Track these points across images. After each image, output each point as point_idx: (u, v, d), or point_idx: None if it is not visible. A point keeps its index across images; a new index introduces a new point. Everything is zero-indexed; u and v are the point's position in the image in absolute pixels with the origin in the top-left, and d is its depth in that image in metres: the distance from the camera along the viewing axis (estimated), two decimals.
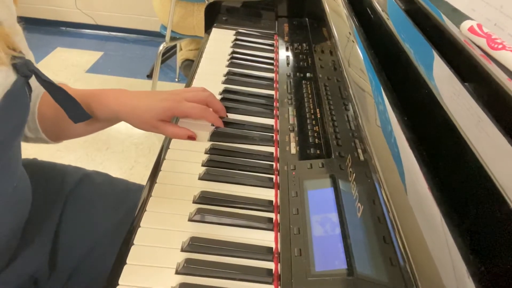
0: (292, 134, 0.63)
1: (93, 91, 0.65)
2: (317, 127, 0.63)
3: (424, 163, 0.38)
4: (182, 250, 0.46)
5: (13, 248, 0.60)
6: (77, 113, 0.58)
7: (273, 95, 0.76)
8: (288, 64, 0.84)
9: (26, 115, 0.54)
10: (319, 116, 0.65)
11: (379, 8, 0.68)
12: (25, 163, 0.71)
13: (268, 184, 0.56)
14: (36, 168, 0.71)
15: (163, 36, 1.99)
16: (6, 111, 0.47)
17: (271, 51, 0.92)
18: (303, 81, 0.76)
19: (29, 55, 0.59)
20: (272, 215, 0.51)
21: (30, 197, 0.62)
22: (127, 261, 0.44)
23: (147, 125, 0.63)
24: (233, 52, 0.90)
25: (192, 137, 0.63)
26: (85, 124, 0.66)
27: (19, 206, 0.59)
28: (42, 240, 0.63)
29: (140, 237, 0.47)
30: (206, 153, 0.60)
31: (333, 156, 0.55)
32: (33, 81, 0.54)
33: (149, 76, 2.40)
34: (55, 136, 0.68)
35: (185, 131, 0.63)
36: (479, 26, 0.47)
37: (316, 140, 0.61)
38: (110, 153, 1.83)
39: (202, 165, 0.58)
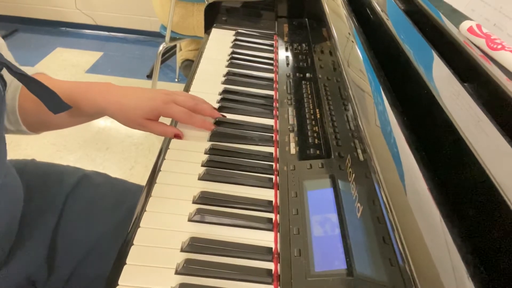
0: (291, 135, 0.64)
1: (78, 84, 0.64)
2: (316, 127, 0.63)
3: (424, 164, 0.38)
4: (182, 250, 0.46)
5: (7, 249, 0.60)
6: (55, 104, 0.56)
7: (272, 95, 0.76)
8: (287, 64, 0.84)
9: (2, 107, 0.54)
10: (318, 116, 0.65)
11: (378, 9, 0.68)
12: (24, 164, 0.71)
13: (267, 184, 0.56)
14: (34, 169, 0.71)
15: (163, 36, 1.99)
16: None
17: (271, 52, 0.92)
18: (303, 82, 0.76)
19: (0, 47, 0.58)
20: (271, 215, 0.51)
21: (21, 196, 0.62)
22: (127, 261, 0.44)
23: (133, 123, 0.62)
24: (233, 53, 0.90)
25: (178, 136, 0.63)
26: (69, 116, 0.65)
27: (9, 205, 0.58)
28: (39, 241, 0.63)
29: (140, 238, 0.47)
30: (205, 153, 0.61)
31: (332, 157, 0.55)
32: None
33: (149, 76, 2.40)
34: (36, 128, 0.67)
35: (172, 130, 0.63)
36: (478, 26, 0.47)
37: (316, 140, 0.61)
38: (110, 153, 1.83)
39: (202, 166, 0.58)
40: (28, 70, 0.65)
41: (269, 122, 0.69)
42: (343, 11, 0.75)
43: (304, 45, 0.90)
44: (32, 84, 0.53)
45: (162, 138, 0.65)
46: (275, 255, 0.46)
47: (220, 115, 0.67)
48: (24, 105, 0.63)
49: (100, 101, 0.62)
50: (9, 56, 0.60)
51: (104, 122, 1.98)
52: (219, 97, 0.74)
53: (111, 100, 0.61)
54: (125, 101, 0.61)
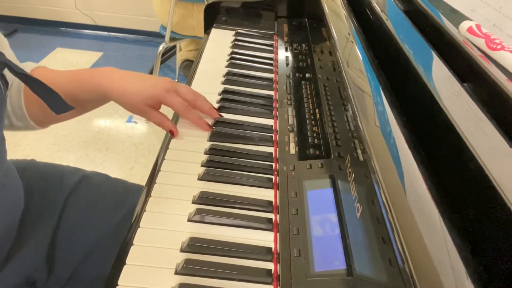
0: (291, 135, 0.64)
1: (82, 71, 0.64)
2: (316, 127, 0.63)
3: (423, 164, 0.38)
4: (182, 250, 0.46)
5: (7, 249, 0.60)
6: (58, 104, 0.56)
7: (272, 95, 0.76)
8: (287, 64, 0.84)
9: (2, 107, 0.54)
10: (318, 116, 0.65)
11: (378, 9, 0.68)
12: (23, 164, 0.71)
13: (267, 184, 0.56)
14: (34, 170, 0.71)
15: (163, 37, 1.99)
16: None
17: (271, 52, 0.92)
18: (303, 82, 0.76)
19: (2, 45, 0.58)
20: (271, 215, 0.51)
21: (22, 197, 0.62)
22: (127, 261, 0.44)
23: (134, 108, 0.63)
24: (233, 53, 0.90)
25: (172, 133, 0.62)
26: (75, 106, 0.65)
27: (9, 206, 0.58)
28: (39, 241, 0.63)
29: (140, 238, 0.47)
30: (205, 153, 0.61)
31: (332, 157, 0.55)
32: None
33: None
34: (44, 121, 0.68)
35: (170, 124, 0.63)
36: (478, 26, 0.47)
37: (316, 140, 0.61)
38: (110, 153, 1.83)
39: (202, 166, 0.58)
40: (29, 65, 0.65)
41: (269, 122, 0.69)
42: (342, 11, 0.75)
43: (304, 45, 0.90)
44: (34, 84, 0.53)
45: (162, 138, 0.65)
46: (275, 255, 0.46)
47: (218, 115, 0.67)
48: (30, 100, 0.63)
49: (104, 84, 0.62)
50: (11, 55, 0.60)
51: (104, 122, 1.98)
52: (219, 97, 0.74)
53: (114, 84, 0.62)
54: (128, 85, 0.61)
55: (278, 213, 0.51)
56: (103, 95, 0.63)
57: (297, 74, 0.79)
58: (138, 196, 0.54)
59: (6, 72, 0.53)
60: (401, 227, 0.33)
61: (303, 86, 0.74)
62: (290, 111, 0.69)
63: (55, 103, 0.56)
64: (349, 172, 0.48)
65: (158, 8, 2.00)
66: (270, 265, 0.45)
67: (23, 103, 0.63)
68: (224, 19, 1.03)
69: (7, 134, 0.61)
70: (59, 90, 0.55)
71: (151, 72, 2.33)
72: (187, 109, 0.63)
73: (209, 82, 0.79)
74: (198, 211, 0.50)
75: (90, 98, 0.64)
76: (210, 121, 0.66)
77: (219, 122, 0.66)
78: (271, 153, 0.62)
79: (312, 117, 0.66)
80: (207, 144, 0.62)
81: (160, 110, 0.65)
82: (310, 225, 0.47)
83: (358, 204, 0.43)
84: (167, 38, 1.97)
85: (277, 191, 0.55)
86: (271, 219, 0.51)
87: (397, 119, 0.45)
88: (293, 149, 0.61)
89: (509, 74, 0.41)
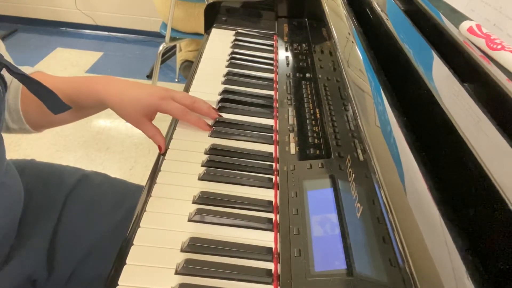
0: (291, 135, 0.64)
1: (79, 78, 0.65)
2: (316, 127, 0.63)
3: (423, 164, 0.38)
4: (182, 250, 0.46)
5: (8, 248, 0.60)
6: (55, 104, 0.56)
7: (272, 95, 0.76)
8: (287, 64, 0.84)
9: (2, 108, 0.54)
10: (318, 116, 0.65)
11: (378, 9, 0.68)
12: (23, 164, 0.71)
13: (267, 184, 0.56)
14: (34, 169, 0.71)
15: (163, 37, 1.99)
16: None
17: (271, 52, 0.92)
18: (303, 82, 0.76)
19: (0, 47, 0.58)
20: (271, 215, 0.51)
21: (22, 196, 0.62)
22: (127, 261, 0.44)
23: (130, 118, 0.63)
24: (233, 53, 0.90)
25: (160, 148, 0.62)
26: (71, 111, 0.65)
27: (9, 205, 0.58)
28: (39, 241, 0.63)
29: (140, 238, 0.47)
30: (205, 153, 0.61)
31: (332, 157, 0.55)
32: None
33: (149, 77, 2.40)
34: (40, 125, 0.68)
35: (161, 139, 0.62)
36: (478, 26, 0.47)
37: (316, 140, 0.61)
38: (110, 153, 1.83)
39: (202, 166, 0.58)
40: (27, 70, 0.65)
41: (269, 122, 0.69)
42: (343, 11, 0.75)
43: (304, 45, 0.90)
44: (32, 84, 0.54)
45: None
46: (275, 255, 0.46)
47: (217, 115, 0.67)
48: (27, 103, 0.63)
49: (101, 91, 0.62)
50: (7, 57, 0.60)
51: (104, 122, 1.98)
52: (219, 97, 0.74)
53: (111, 92, 0.62)
54: (124, 94, 0.62)
55: (278, 213, 0.51)
56: (100, 102, 0.63)
57: (297, 74, 0.79)
58: (138, 196, 0.54)
59: (4, 73, 0.53)
60: (401, 227, 0.33)
61: (303, 86, 0.74)
62: (291, 111, 0.69)
63: (53, 104, 0.56)
64: (350, 172, 0.48)
65: (160, 5, 2.00)
66: (270, 265, 0.45)
67: (20, 106, 0.63)
68: (224, 19, 1.03)
69: (6, 134, 0.61)
70: (57, 93, 0.55)
71: (151, 72, 2.34)
72: (185, 112, 0.63)
73: (209, 82, 0.79)
74: (198, 211, 0.50)
75: (87, 104, 0.64)
76: (210, 122, 0.66)
77: (219, 122, 0.66)
78: (271, 153, 0.62)
79: (312, 117, 0.66)
80: (207, 144, 0.62)
81: (157, 114, 0.65)
82: (311, 225, 0.47)
83: (359, 204, 0.43)
84: (167, 38, 1.97)
85: (277, 191, 0.55)
86: (271, 219, 0.51)
87: (397, 119, 0.45)
88: (293, 149, 0.61)
89: (509, 74, 0.41)
